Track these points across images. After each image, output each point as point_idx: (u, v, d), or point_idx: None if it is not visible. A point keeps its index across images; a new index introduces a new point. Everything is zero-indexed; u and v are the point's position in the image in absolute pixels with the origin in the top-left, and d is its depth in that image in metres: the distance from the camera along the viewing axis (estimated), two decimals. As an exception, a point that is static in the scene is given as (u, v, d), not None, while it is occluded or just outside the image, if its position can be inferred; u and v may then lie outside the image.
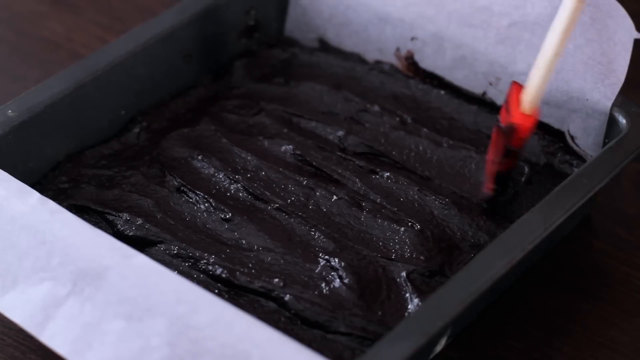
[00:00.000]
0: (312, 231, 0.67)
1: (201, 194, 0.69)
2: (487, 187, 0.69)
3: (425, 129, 0.75)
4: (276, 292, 0.63)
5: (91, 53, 0.75)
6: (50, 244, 0.60)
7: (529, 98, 0.66)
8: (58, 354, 0.57)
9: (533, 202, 0.69)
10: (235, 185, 0.70)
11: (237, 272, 0.64)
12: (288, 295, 0.63)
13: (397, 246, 0.67)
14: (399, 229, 0.67)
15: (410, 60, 0.79)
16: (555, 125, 0.74)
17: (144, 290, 0.58)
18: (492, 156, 0.69)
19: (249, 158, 0.72)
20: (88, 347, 0.57)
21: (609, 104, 0.70)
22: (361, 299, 0.63)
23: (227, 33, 0.80)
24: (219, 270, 0.65)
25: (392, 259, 0.66)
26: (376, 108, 0.77)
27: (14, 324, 0.59)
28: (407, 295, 0.64)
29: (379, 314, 0.63)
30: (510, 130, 0.66)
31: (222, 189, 0.70)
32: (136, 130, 0.75)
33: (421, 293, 0.64)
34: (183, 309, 0.57)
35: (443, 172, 0.72)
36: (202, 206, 0.69)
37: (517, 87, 0.67)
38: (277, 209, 0.69)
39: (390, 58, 0.80)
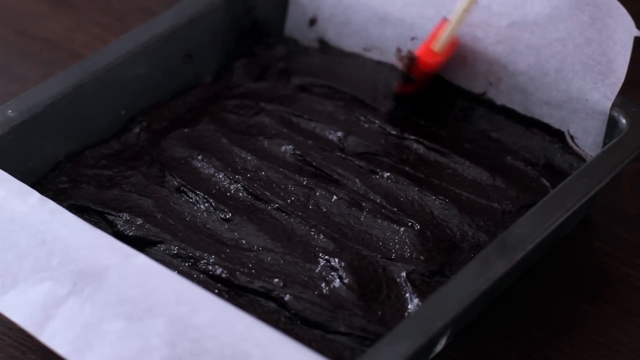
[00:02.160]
0: (312, 231, 0.67)
1: (201, 194, 0.69)
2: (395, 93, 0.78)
3: (425, 130, 0.75)
4: (276, 292, 0.63)
5: (91, 53, 0.75)
6: (50, 244, 0.60)
7: (439, 39, 0.73)
8: (58, 353, 0.57)
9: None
10: (235, 185, 0.70)
11: (237, 272, 0.64)
12: (288, 295, 0.63)
13: (397, 246, 0.67)
14: (399, 229, 0.67)
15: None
16: (555, 125, 0.74)
17: (144, 290, 0.58)
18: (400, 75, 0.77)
19: (249, 158, 0.72)
20: (88, 347, 0.57)
21: (609, 104, 0.70)
22: (361, 299, 0.63)
23: (227, 33, 0.80)
24: (219, 270, 0.65)
25: (392, 259, 0.66)
26: (376, 108, 0.77)
27: (14, 324, 0.59)
28: (407, 295, 0.64)
29: (379, 314, 0.63)
30: (409, 58, 0.74)
31: (222, 189, 0.70)
32: (136, 130, 0.75)
33: (421, 293, 0.64)
34: (183, 308, 0.57)
35: (443, 172, 0.72)
36: (202, 206, 0.69)
37: (443, 24, 0.74)
38: (277, 209, 0.69)
39: (390, 58, 0.80)
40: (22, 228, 0.61)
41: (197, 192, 0.69)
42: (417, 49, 0.74)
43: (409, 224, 0.68)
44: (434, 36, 0.74)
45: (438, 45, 0.74)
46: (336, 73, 0.80)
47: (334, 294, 0.64)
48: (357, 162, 0.72)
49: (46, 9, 0.92)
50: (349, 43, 0.81)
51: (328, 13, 0.81)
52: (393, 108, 0.77)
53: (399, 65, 0.79)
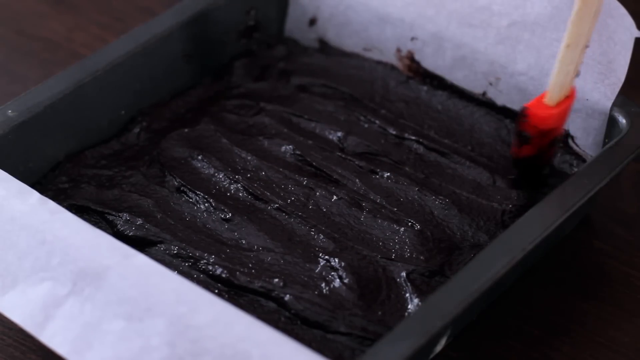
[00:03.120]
0: (312, 231, 0.67)
1: (201, 194, 0.69)
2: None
3: (425, 130, 0.75)
4: (276, 292, 0.64)
5: (91, 53, 0.75)
6: (50, 243, 0.60)
7: (549, 90, 0.67)
8: (58, 353, 0.57)
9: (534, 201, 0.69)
10: (235, 185, 0.70)
11: (237, 272, 0.64)
12: (288, 295, 0.63)
13: (397, 246, 0.67)
14: (399, 229, 0.67)
15: (410, 61, 0.79)
16: (555, 125, 0.74)
17: (144, 290, 0.58)
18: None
19: (249, 158, 0.72)
20: (88, 346, 0.57)
21: (609, 104, 0.70)
22: (361, 299, 0.63)
23: (227, 33, 0.80)
24: (219, 270, 0.65)
25: (392, 259, 0.66)
26: (376, 108, 0.77)
27: (14, 324, 0.59)
28: (407, 295, 0.64)
29: (379, 314, 0.63)
30: (521, 113, 0.67)
31: (222, 189, 0.70)
32: (136, 130, 0.75)
33: (421, 293, 0.64)
34: (183, 308, 0.57)
35: (443, 172, 0.72)
36: (202, 206, 0.69)
37: None
38: (277, 209, 0.69)
39: (390, 58, 0.80)
40: (22, 228, 0.61)
41: (197, 192, 0.69)
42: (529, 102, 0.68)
43: (409, 224, 0.68)
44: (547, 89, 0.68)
45: (550, 97, 0.67)
46: (336, 73, 0.80)
47: (334, 294, 0.64)
48: (357, 162, 0.72)
49: (46, 9, 0.92)
50: (349, 43, 0.81)
51: (328, 13, 0.81)
52: (514, 177, 0.71)
53: (399, 65, 0.79)
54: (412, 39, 0.78)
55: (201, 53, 0.79)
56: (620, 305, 0.69)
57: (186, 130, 0.74)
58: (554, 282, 0.70)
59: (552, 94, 0.67)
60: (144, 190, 0.70)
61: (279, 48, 0.82)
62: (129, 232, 0.67)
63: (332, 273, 0.65)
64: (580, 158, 0.73)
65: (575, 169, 0.72)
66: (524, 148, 0.69)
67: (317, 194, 0.70)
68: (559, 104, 0.67)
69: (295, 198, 0.70)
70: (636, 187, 0.77)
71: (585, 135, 0.72)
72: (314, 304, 0.63)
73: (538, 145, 0.69)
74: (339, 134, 0.74)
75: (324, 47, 0.82)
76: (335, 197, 0.69)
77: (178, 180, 0.70)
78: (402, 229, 0.67)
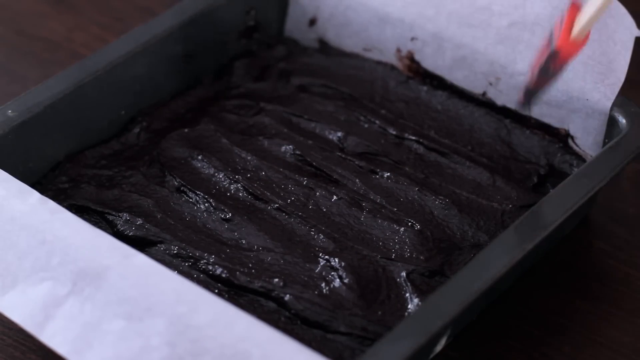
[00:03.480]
0: (312, 231, 0.67)
1: (201, 194, 0.69)
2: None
3: (425, 130, 0.75)
4: (276, 292, 0.64)
5: (91, 53, 0.75)
6: (50, 243, 0.60)
7: (579, 26, 0.67)
8: (58, 353, 0.57)
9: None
10: (235, 185, 0.70)
11: (237, 272, 0.64)
12: (288, 295, 0.63)
13: (397, 246, 0.67)
14: (399, 229, 0.67)
15: (410, 61, 0.79)
16: (555, 125, 0.74)
17: (144, 290, 0.58)
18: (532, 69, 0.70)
19: (249, 158, 0.72)
20: (88, 346, 0.57)
21: (609, 104, 0.70)
22: (361, 299, 0.63)
23: (227, 33, 0.80)
24: (219, 270, 0.65)
25: (392, 259, 0.66)
26: (376, 108, 0.77)
27: (14, 324, 0.59)
28: (407, 295, 0.64)
29: (379, 313, 0.63)
30: (553, 54, 0.67)
31: (222, 189, 0.70)
32: (136, 130, 0.75)
33: (421, 293, 0.64)
34: (183, 308, 0.57)
35: (443, 172, 0.72)
36: (202, 206, 0.69)
37: (574, 7, 0.68)
38: (277, 209, 0.69)
39: (390, 58, 0.80)
40: (22, 228, 0.61)
41: (197, 192, 0.69)
42: (556, 41, 0.67)
43: (409, 224, 0.68)
44: (568, 24, 0.67)
45: (579, 35, 0.67)
46: (336, 73, 0.80)
47: (334, 293, 0.64)
48: (357, 162, 0.72)
49: (46, 9, 0.92)
50: (349, 43, 0.81)
51: (328, 13, 0.81)
52: (524, 105, 0.74)
53: (399, 65, 0.79)
54: (412, 39, 0.78)
55: (201, 53, 0.79)
56: (620, 305, 0.69)
57: (186, 130, 0.74)
58: (554, 282, 0.70)
59: (582, 33, 0.67)
60: (144, 190, 0.70)
61: (279, 48, 0.82)
62: (129, 232, 0.67)
63: (332, 273, 0.65)
64: (580, 158, 0.73)
65: (575, 169, 0.72)
66: (543, 80, 0.69)
67: (317, 194, 0.70)
68: (585, 38, 0.67)
69: (295, 198, 0.70)
70: (636, 187, 0.77)
71: (585, 135, 0.72)
72: (314, 303, 0.63)
73: (554, 76, 0.69)
74: (339, 134, 0.74)
75: (324, 47, 0.82)
76: (335, 197, 0.69)
77: (178, 180, 0.70)
78: (402, 229, 0.67)
